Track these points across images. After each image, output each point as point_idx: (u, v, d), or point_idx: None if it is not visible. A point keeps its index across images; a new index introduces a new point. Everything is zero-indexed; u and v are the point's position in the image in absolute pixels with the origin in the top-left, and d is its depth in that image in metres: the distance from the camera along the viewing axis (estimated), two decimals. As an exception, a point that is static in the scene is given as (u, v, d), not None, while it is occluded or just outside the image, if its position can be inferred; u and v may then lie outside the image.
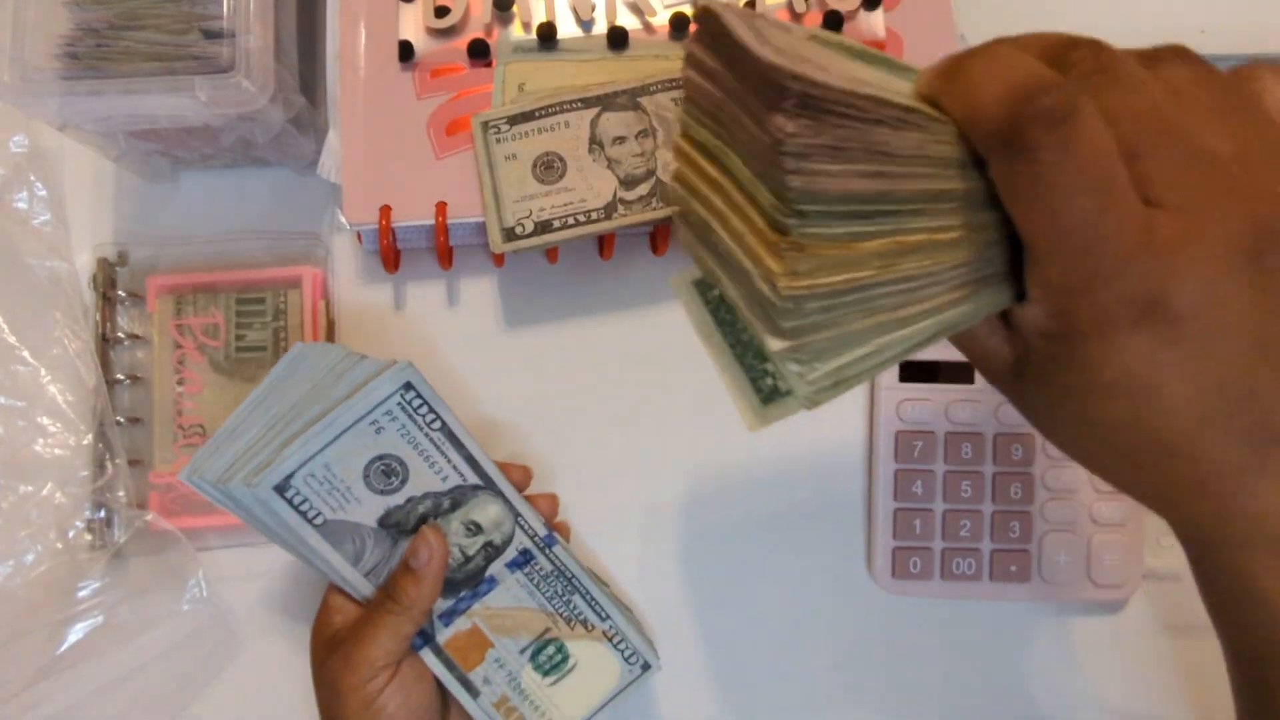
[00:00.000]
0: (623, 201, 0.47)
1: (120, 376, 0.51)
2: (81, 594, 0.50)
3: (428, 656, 0.42)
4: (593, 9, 0.50)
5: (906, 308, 0.25)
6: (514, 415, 0.52)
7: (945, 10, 0.51)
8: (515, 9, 0.50)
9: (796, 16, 0.51)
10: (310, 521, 0.39)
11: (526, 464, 0.45)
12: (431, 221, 0.48)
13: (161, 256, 0.53)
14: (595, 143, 0.48)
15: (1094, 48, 0.24)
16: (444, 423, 0.40)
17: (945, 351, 0.50)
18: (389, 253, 0.49)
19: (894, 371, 0.50)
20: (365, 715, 0.40)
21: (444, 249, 0.49)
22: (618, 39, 0.50)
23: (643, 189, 0.47)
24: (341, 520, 0.40)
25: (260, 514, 0.39)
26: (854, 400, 0.53)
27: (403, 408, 0.39)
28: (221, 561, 0.51)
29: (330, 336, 0.52)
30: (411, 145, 0.49)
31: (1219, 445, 0.24)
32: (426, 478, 0.40)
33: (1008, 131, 0.22)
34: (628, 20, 0.51)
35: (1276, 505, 0.25)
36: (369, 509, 0.40)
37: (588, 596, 0.44)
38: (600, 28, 0.50)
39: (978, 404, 0.50)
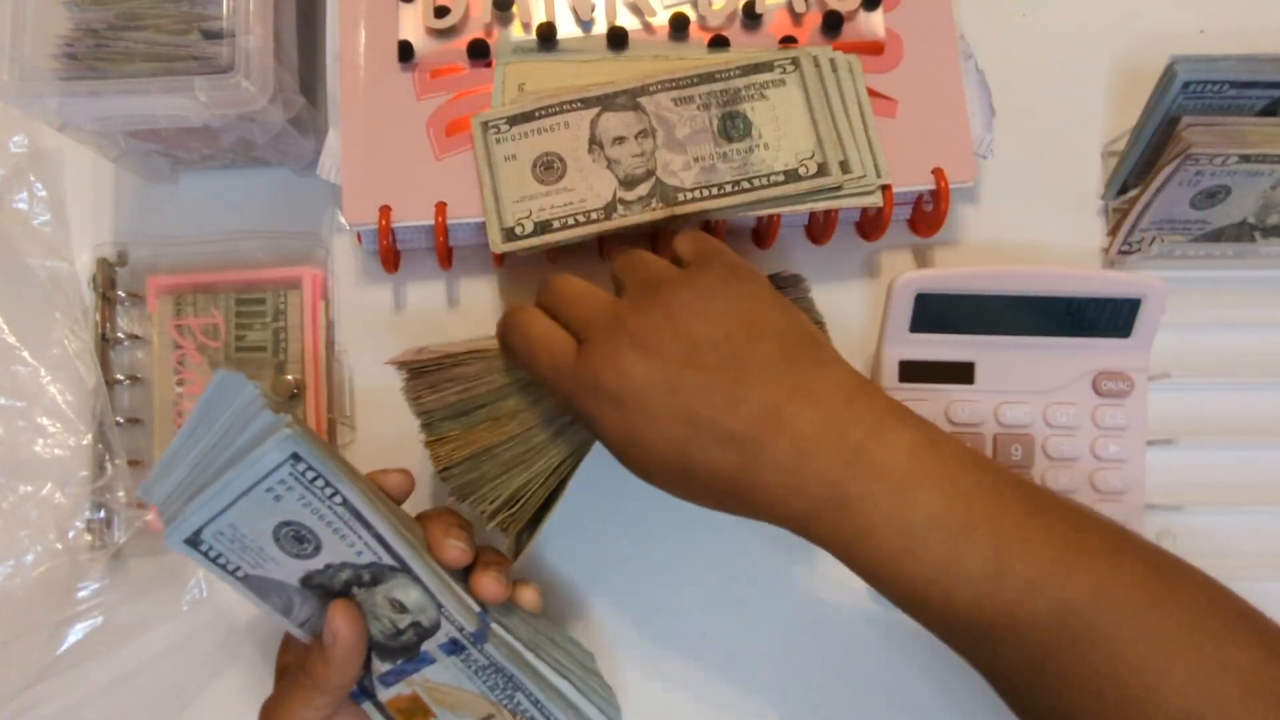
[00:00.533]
0: (622, 202, 0.47)
1: (120, 377, 0.51)
2: (81, 595, 0.50)
3: (370, 709, 0.41)
4: (592, 9, 0.50)
5: (527, 454, 0.42)
6: (514, 415, 0.52)
7: (945, 10, 0.51)
8: (515, 9, 0.50)
9: (797, 16, 0.51)
10: (231, 574, 0.37)
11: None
12: (431, 222, 0.48)
13: (161, 257, 0.53)
14: (595, 143, 0.48)
15: (547, 279, 0.41)
16: (344, 498, 0.35)
17: (944, 351, 0.50)
18: (389, 253, 0.49)
19: (894, 372, 0.50)
20: None
21: (444, 249, 0.49)
22: (617, 39, 0.50)
23: (642, 189, 0.47)
24: (262, 577, 0.37)
25: None
26: (854, 400, 0.53)
27: (296, 479, 0.35)
28: (221, 562, 0.51)
29: (330, 337, 0.52)
30: (411, 145, 0.49)
31: (709, 459, 0.36)
32: (340, 549, 0.37)
33: (500, 339, 0.42)
34: (627, 20, 0.51)
35: (776, 485, 0.35)
36: (288, 570, 0.37)
37: (533, 698, 0.41)
38: (600, 28, 0.50)
39: (977, 404, 0.50)
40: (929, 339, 0.50)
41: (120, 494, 0.50)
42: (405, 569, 0.38)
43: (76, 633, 0.49)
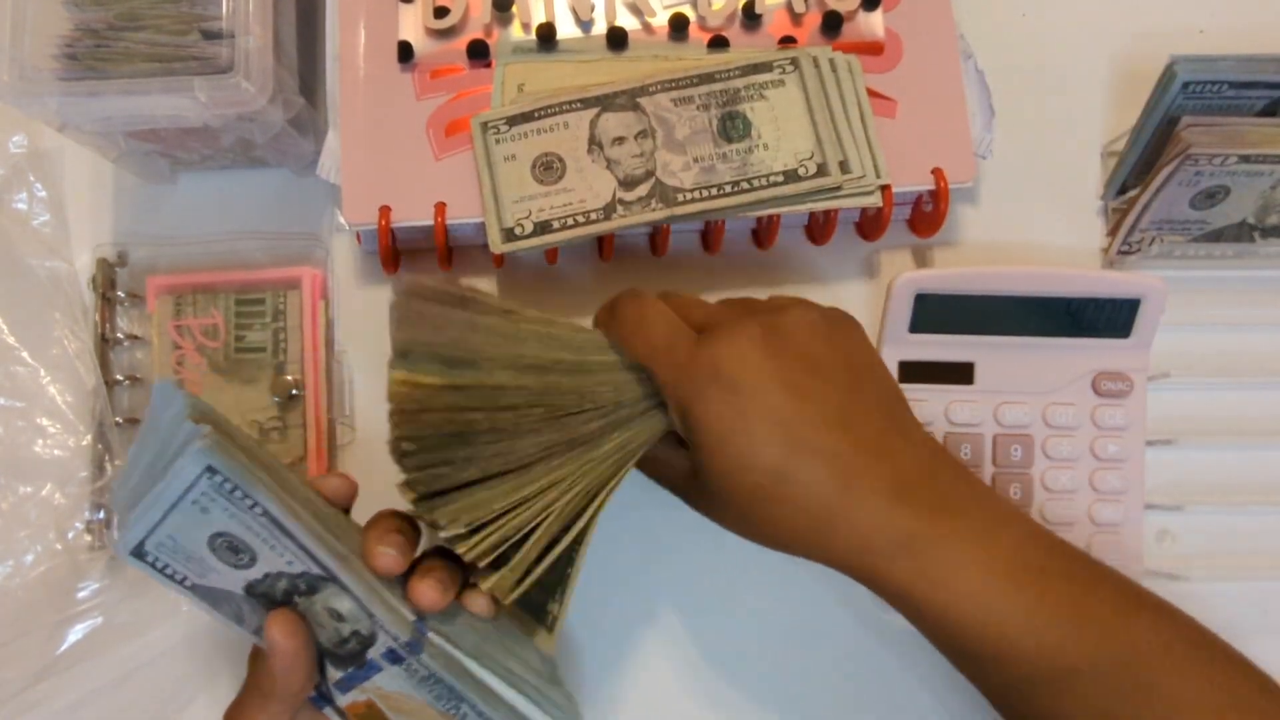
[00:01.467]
0: (622, 202, 0.47)
1: (119, 377, 0.51)
2: (81, 595, 0.50)
3: (331, 715, 0.41)
4: (592, 9, 0.50)
5: (509, 465, 0.35)
6: (513, 416, 0.52)
7: (945, 10, 0.51)
8: (515, 9, 0.50)
9: (796, 17, 0.51)
10: (179, 584, 0.37)
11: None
12: (431, 222, 0.48)
13: (161, 257, 0.53)
14: (594, 143, 0.48)
15: (673, 291, 0.42)
16: (264, 509, 0.35)
17: (944, 351, 0.50)
18: (388, 253, 0.49)
19: (893, 372, 0.50)
20: None
21: (443, 250, 0.49)
22: (617, 39, 0.50)
23: (642, 190, 0.47)
24: (209, 586, 0.37)
25: None
26: (853, 401, 0.53)
27: (216, 490, 0.34)
28: (221, 562, 0.51)
29: (330, 337, 0.52)
30: (411, 146, 0.49)
31: (807, 472, 0.35)
32: (272, 559, 0.36)
33: (609, 309, 0.40)
34: (627, 21, 0.51)
35: (865, 514, 0.36)
36: (230, 580, 0.37)
37: (477, 709, 0.40)
38: (600, 28, 0.50)
39: (977, 404, 0.50)
40: (928, 339, 0.50)
41: (120, 494, 0.50)
42: (333, 578, 0.37)
43: (76, 633, 0.49)
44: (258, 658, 0.40)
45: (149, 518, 0.34)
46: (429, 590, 0.37)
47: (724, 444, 0.36)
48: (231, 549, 0.36)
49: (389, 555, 0.37)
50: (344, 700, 0.40)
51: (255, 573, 0.37)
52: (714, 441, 0.36)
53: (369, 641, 0.38)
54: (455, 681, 0.39)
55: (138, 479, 0.36)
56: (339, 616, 0.38)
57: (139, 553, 0.35)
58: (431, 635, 0.39)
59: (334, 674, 0.40)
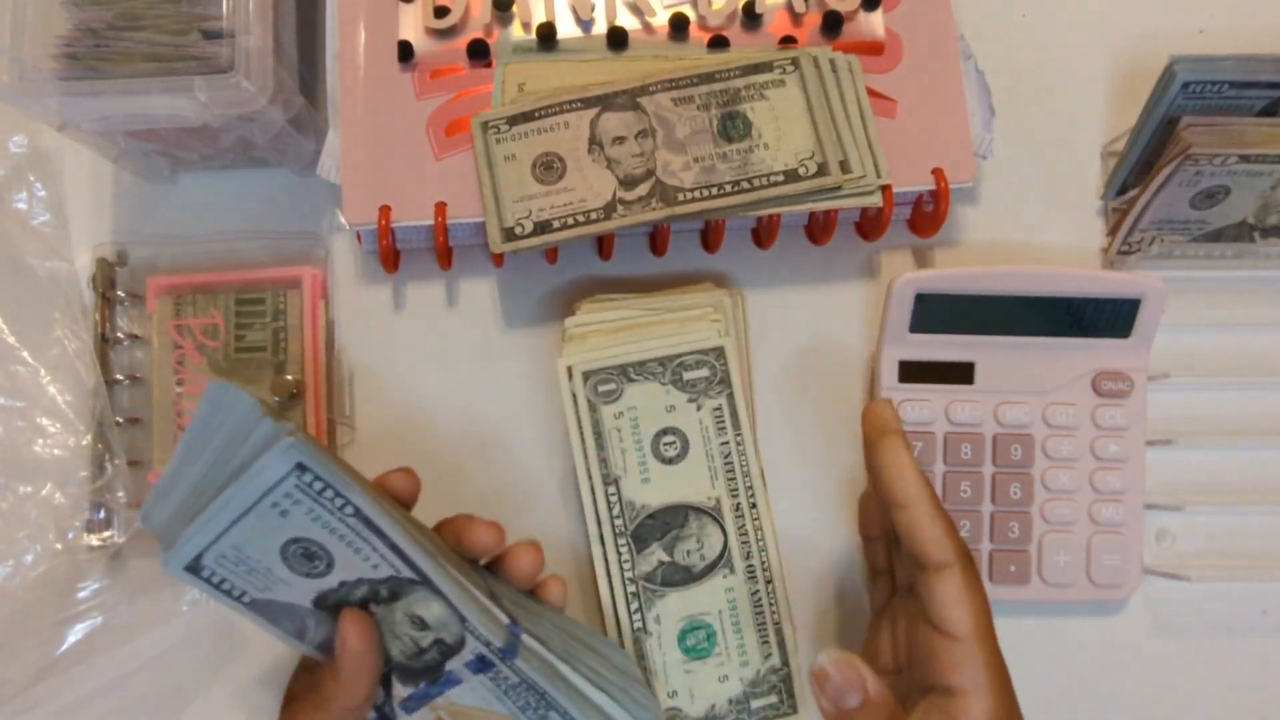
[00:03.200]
0: (622, 202, 0.47)
1: (119, 377, 0.51)
2: (81, 595, 0.50)
3: None
4: (592, 9, 0.50)
5: None
6: (513, 417, 0.52)
7: (945, 10, 0.51)
8: (515, 9, 0.50)
9: (796, 17, 0.51)
10: (237, 600, 0.34)
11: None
12: (431, 222, 0.48)
13: (161, 256, 0.53)
14: (595, 143, 0.48)
15: None
16: (356, 508, 0.33)
17: (944, 351, 0.50)
18: (388, 253, 0.49)
19: (893, 372, 0.50)
20: None
21: (443, 249, 0.49)
22: (617, 39, 0.50)
23: (642, 189, 0.47)
24: (271, 600, 0.35)
25: None
26: (853, 401, 0.53)
27: (303, 490, 0.32)
28: (221, 562, 0.51)
29: (330, 337, 0.52)
30: (411, 145, 0.49)
31: None
32: (354, 564, 0.34)
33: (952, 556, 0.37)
34: (627, 20, 0.51)
35: None
36: (299, 590, 0.35)
37: (567, 716, 0.38)
38: (600, 28, 0.50)
39: (977, 404, 0.50)
40: (929, 339, 0.50)
41: (120, 494, 0.50)
42: (425, 580, 0.35)
43: (76, 633, 0.49)
44: (310, 670, 0.38)
45: (213, 527, 0.32)
46: (527, 555, 0.38)
47: None
48: (306, 556, 0.34)
49: (494, 527, 0.37)
50: None
51: (330, 581, 0.35)
52: None
53: (452, 651, 0.36)
54: (548, 686, 0.37)
55: (188, 491, 0.33)
56: (422, 624, 0.36)
57: (194, 568, 0.33)
58: (525, 637, 0.37)
59: (401, 692, 0.37)
